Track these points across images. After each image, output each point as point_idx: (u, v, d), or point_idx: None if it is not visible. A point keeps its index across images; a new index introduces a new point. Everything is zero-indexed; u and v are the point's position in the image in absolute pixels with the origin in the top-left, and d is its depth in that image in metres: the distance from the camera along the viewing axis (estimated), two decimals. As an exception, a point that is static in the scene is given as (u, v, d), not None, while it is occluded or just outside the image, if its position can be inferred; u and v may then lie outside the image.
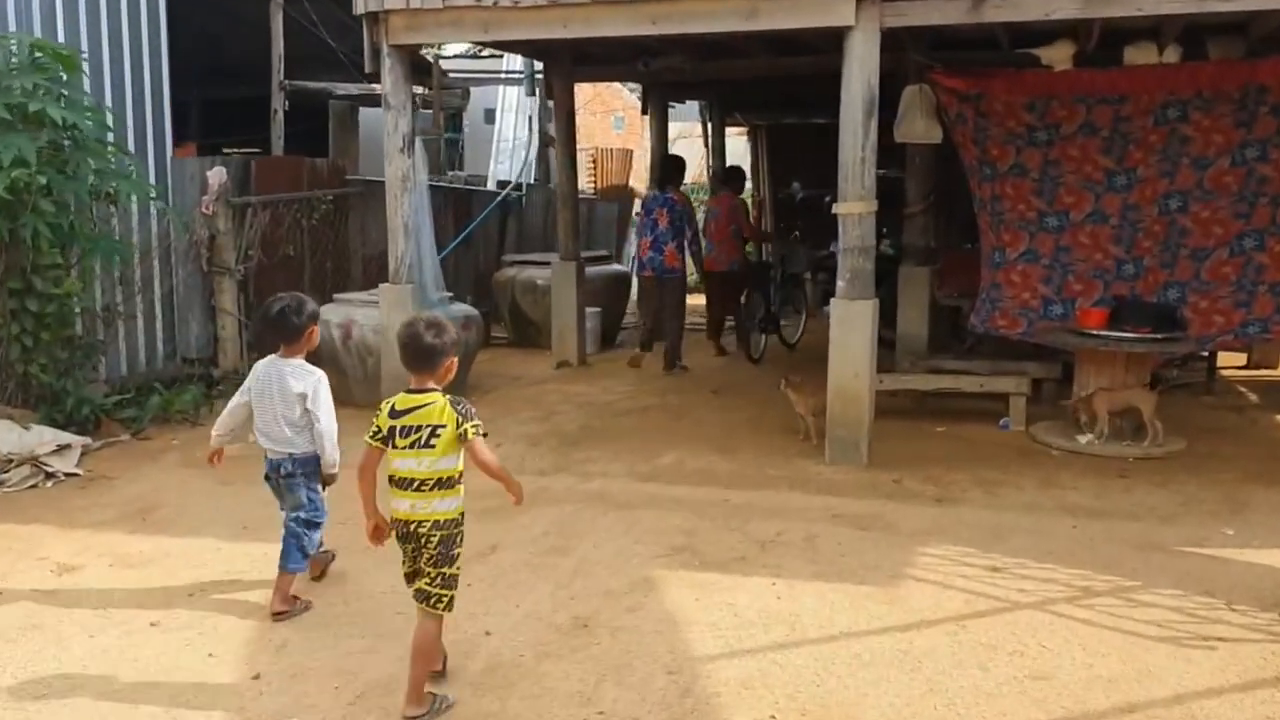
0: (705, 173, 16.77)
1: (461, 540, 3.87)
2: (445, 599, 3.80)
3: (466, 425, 3.72)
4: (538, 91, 13.49)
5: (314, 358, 4.86)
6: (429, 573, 3.76)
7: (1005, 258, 8.98)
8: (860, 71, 6.65)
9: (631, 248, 18.03)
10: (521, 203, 13.94)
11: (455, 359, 3.87)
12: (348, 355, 8.45)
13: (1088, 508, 6.13)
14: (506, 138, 15.95)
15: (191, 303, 9.02)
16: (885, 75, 7.02)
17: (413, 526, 3.73)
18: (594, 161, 16.87)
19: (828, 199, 16.70)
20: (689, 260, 10.81)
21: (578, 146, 18.46)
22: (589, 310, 11.15)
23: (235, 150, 12.85)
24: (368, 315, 8.28)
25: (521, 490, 4.06)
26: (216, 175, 8.78)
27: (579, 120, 20.62)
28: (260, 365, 4.77)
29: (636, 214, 17.77)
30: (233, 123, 15.37)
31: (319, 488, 4.79)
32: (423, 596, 3.78)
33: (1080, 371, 7.63)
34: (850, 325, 6.76)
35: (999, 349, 9.32)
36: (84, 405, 7.39)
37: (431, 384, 3.79)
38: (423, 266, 7.57)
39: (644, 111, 13.30)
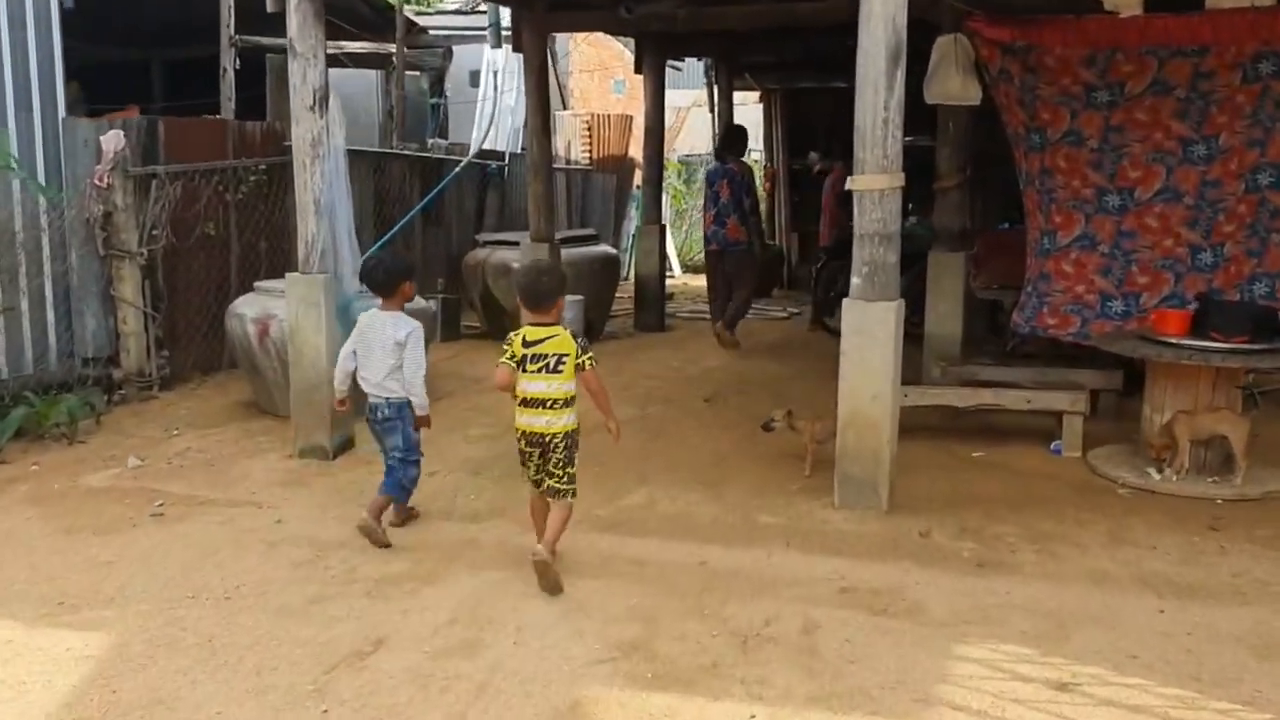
0: (713, 141, 15.24)
1: (576, 445, 4.66)
2: (572, 490, 4.65)
3: (584, 357, 4.54)
4: (504, 46, 11.99)
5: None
6: (557, 474, 4.61)
7: (1056, 243, 7.51)
8: (883, 8, 5.15)
9: (632, 225, 16.56)
10: (503, 175, 12.46)
11: (565, 298, 4.72)
12: (265, 355, 7.04)
13: (1175, 580, 4.66)
14: (491, 101, 14.47)
15: (87, 292, 7.61)
16: (914, 23, 5.57)
17: (545, 438, 4.57)
18: (589, 128, 15.36)
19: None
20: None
21: (574, 111, 17.08)
22: (567, 299, 9.67)
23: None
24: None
25: (619, 428, 4.82)
26: (111, 140, 7.35)
27: (575, 83, 19.23)
28: (363, 316, 5.28)
29: (637, 186, 16.41)
30: (199, 86, 13.99)
31: (414, 430, 5.23)
32: (554, 493, 4.64)
33: (1153, 389, 6.13)
34: (868, 334, 5.29)
35: (1048, 352, 7.85)
36: (-80, 422, 6.01)
37: (550, 318, 4.57)
38: (339, 253, 6.13)
39: (637, 70, 11.78)
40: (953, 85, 7.25)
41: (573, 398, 4.60)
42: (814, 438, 6.07)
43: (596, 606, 4.33)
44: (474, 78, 15.15)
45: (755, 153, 21.35)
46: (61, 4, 7.53)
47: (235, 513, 5.44)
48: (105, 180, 7.35)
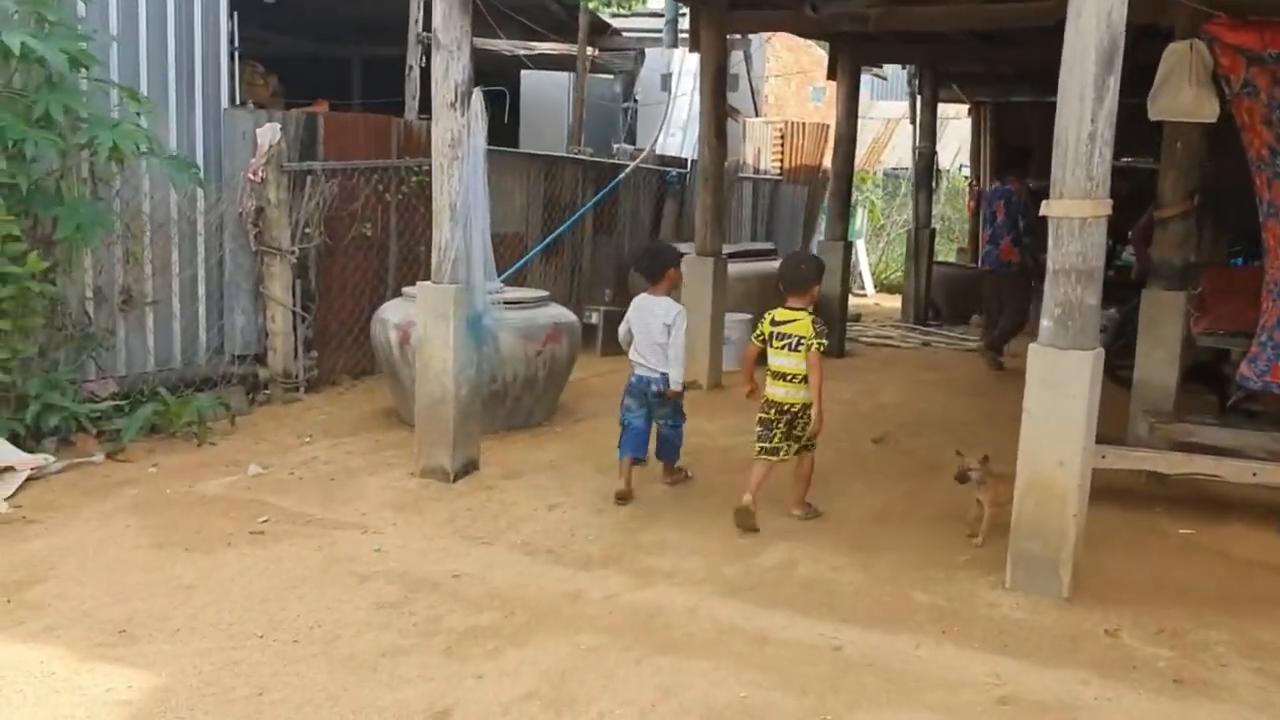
0: (912, 156, 14.28)
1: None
2: (814, 444, 5.45)
3: (815, 340, 5.25)
4: (679, 45, 11.42)
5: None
6: (804, 434, 5.35)
7: (1301, 286, 6.36)
8: (1096, 2, 4.30)
9: (822, 236, 15.72)
10: (683, 182, 11.91)
11: (819, 287, 5.52)
12: (405, 364, 6.69)
13: None
14: (682, 106, 13.96)
15: (238, 288, 7.47)
16: (1138, 31, 4.66)
17: (787, 407, 5.33)
18: (782, 136, 14.62)
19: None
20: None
21: (766, 118, 16.36)
22: (733, 318, 9.06)
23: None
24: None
25: (821, 418, 5.34)
26: (267, 133, 7.17)
27: (770, 89, 18.45)
28: (636, 299, 5.90)
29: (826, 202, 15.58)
30: (397, 84, 14.06)
31: (680, 400, 5.84)
32: (803, 448, 5.42)
33: None
34: (1058, 389, 4.44)
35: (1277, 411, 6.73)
36: (51, 414, 5.89)
37: (802, 304, 5.37)
38: (472, 261, 5.68)
39: (830, 75, 11.01)
40: (1184, 99, 6.26)
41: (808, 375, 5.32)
42: (996, 500, 5.23)
43: (698, 697, 3.67)
44: (665, 81, 14.69)
45: (965, 168, 20.18)
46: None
47: (337, 536, 5.05)
48: (259, 174, 7.18)
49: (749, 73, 15.07)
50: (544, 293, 7.47)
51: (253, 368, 7.51)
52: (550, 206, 10.06)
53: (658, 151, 13.51)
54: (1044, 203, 4.52)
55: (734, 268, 9.21)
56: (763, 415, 5.43)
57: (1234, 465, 5.53)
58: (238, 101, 9.21)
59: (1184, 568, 5.08)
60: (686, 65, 13.92)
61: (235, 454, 6.29)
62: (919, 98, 12.97)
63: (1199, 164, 6.91)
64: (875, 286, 17.31)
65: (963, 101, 14.65)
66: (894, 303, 15.28)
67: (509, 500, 5.63)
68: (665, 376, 5.72)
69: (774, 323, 5.37)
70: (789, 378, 5.32)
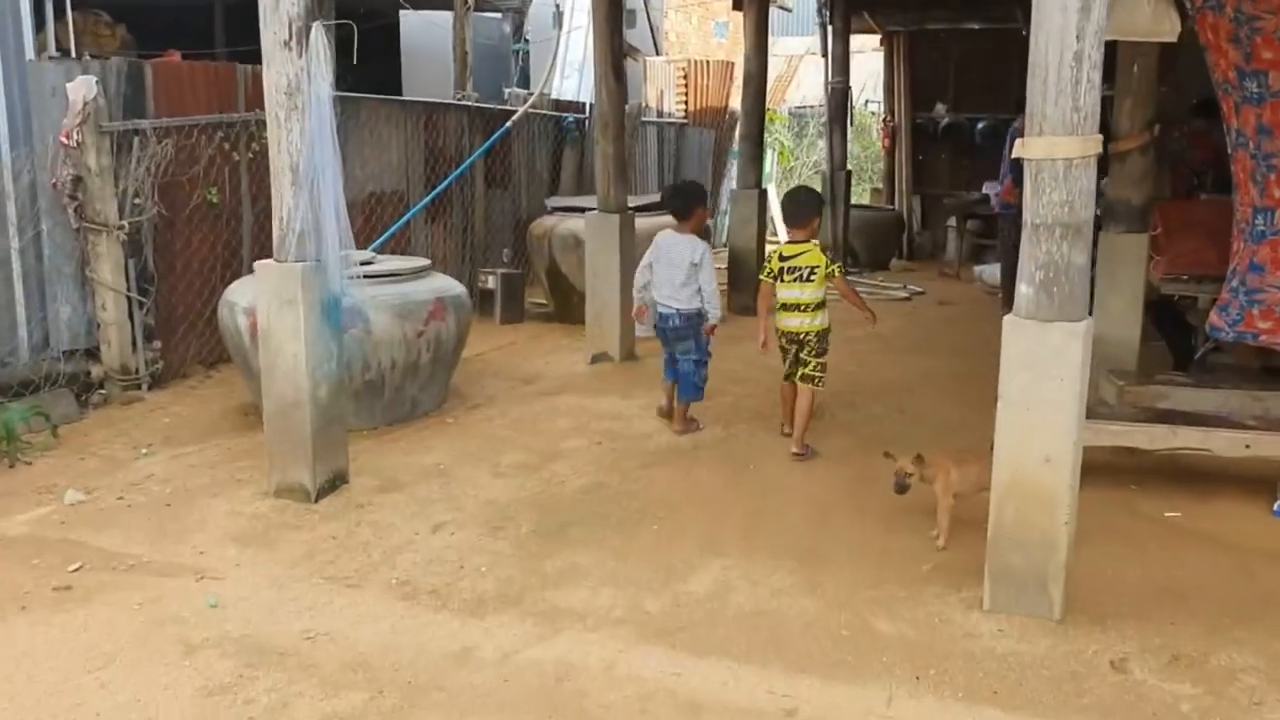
0: (826, 91, 13.44)
1: (827, 340, 5.64)
2: (821, 378, 5.64)
3: (833, 266, 5.61)
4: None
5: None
6: (810, 363, 5.61)
7: (1273, 224, 5.66)
8: (1080, -114, 3.44)
9: (732, 185, 14.85)
10: (582, 129, 10.90)
11: (818, 219, 5.81)
12: (259, 355, 5.62)
13: None
14: (576, 44, 12.91)
15: (59, 273, 6.33)
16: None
17: (800, 335, 5.60)
18: (685, 76, 13.65)
19: (982, 124, 13.38)
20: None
21: (668, 57, 15.36)
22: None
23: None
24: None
25: (874, 315, 5.83)
26: (80, 88, 6.01)
27: (670, 25, 17.41)
28: (659, 237, 6.06)
29: (737, 142, 14.65)
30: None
31: (704, 335, 5.94)
32: (807, 379, 5.62)
33: None
34: (1040, 369, 3.63)
35: (1253, 364, 6.05)
36: None
37: (804, 235, 5.66)
38: (322, 231, 4.66)
39: (735, 5, 10.06)
40: (1140, 16, 5.44)
41: (823, 302, 5.57)
42: (949, 490, 4.45)
43: (621, 802, 2.81)
44: (558, 19, 13.61)
45: (873, 104, 19.43)
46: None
47: (165, 587, 4.06)
48: (74, 137, 6.02)
49: (647, 7, 14.03)
50: (424, 261, 6.46)
51: (84, 365, 6.40)
52: (434, 160, 9.00)
53: (553, 95, 12.47)
54: (1018, 142, 3.68)
55: (643, 222, 8.26)
56: (783, 346, 5.69)
57: (1225, 438, 4.82)
58: (77, 54, 8.00)
59: (1180, 563, 4.35)
60: (579, 1, 12.87)
61: (53, 475, 5.23)
62: (830, 28, 12.08)
63: (1157, 90, 6.16)
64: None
65: (873, 32, 13.81)
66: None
67: (384, 522, 4.68)
68: (682, 312, 5.87)
69: (782, 257, 5.58)
70: (803, 307, 5.54)
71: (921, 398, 6.81)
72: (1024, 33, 11.80)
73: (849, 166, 12.97)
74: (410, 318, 5.91)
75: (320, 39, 4.62)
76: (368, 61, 13.95)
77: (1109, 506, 4.85)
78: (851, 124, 13.98)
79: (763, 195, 9.94)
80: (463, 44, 10.36)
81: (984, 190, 12.63)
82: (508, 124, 9.03)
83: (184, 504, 4.89)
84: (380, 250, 7.15)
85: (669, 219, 9.06)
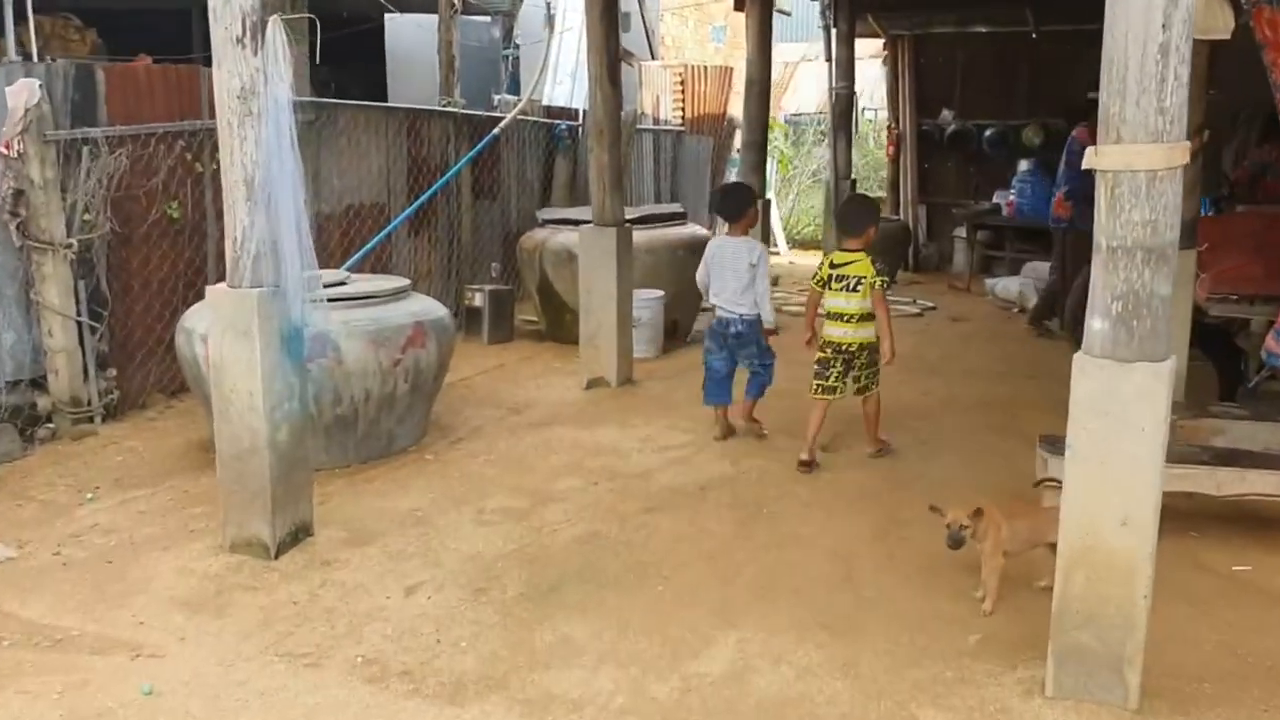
0: (830, 97, 12.94)
1: (877, 352, 5.49)
2: (874, 384, 5.60)
3: (876, 279, 5.40)
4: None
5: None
6: (861, 374, 5.54)
7: (1337, 239, 5.16)
8: None
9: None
10: (576, 136, 10.35)
11: (875, 228, 5.59)
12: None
13: None
14: (569, 48, 12.38)
15: (0, 296, 5.76)
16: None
17: (845, 346, 5.48)
18: (682, 82, 13.12)
19: (989, 131, 12.85)
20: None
21: (664, 62, 14.83)
22: (643, 297, 7.61)
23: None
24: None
25: (894, 351, 5.44)
26: (20, 93, 5.45)
27: (666, 29, 16.84)
28: (713, 242, 6.10)
29: (736, 150, 14.12)
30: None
31: (764, 339, 5.89)
32: (862, 390, 5.58)
33: None
34: (1118, 417, 3.09)
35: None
36: None
37: (858, 245, 5.48)
38: (281, 253, 4.10)
39: (738, 6, 9.53)
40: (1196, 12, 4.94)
41: (870, 314, 5.43)
42: (999, 549, 3.90)
43: None
44: (549, 21, 13.07)
45: (870, 112, 18.89)
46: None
47: (94, 668, 3.49)
48: (14, 147, 5.46)
49: (642, 10, 13.51)
50: (403, 281, 5.90)
51: (30, 396, 5.83)
52: (417, 170, 8.45)
53: (544, 101, 11.94)
54: (1088, 151, 3.14)
55: (640, 236, 7.74)
56: (821, 354, 5.55)
57: (1306, 485, 4.28)
58: (41, 58, 7.45)
59: (1260, 628, 3.81)
60: (572, 2, 12.35)
61: (-16, 526, 4.66)
62: (834, 31, 11.56)
63: (1205, 93, 5.64)
64: (789, 243, 15.99)
65: (876, 36, 13.30)
66: (810, 260, 13.96)
67: (352, 583, 4.12)
68: (744, 317, 5.80)
69: (832, 265, 5.51)
70: (847, 318, 5.45)
71: (944, 426, 6.27)
72: (1032, 35, 11.34)
73: (854, 176, 12.45)
74: (386, 345, 5.35)
75: (279, 35, 4.07)
76: (352, 66, 13.46)
77: (1169, 559, 4.22)
78: (856, 131, 13.44)
79: (765, 207, 9.38)
80: (449, 48, 9.78)
81: (995, 200, 12.15)
82: (494, 131, 8.48)
83: (128, 560, 4.32)
84: (356, 268, 6.59)
85: (666, 231, 8.61)
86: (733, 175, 13.94)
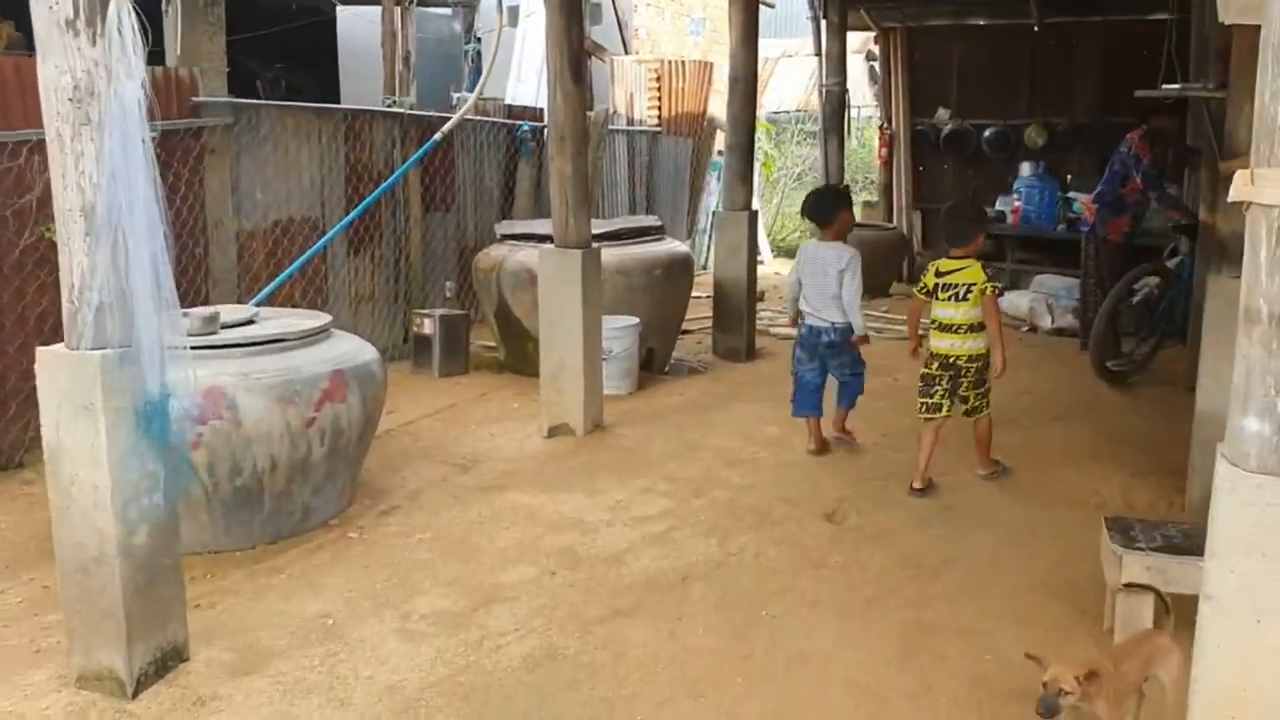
0: (818, 94, 12.01)
1: (988, 368, 5.16)
2: (986, 405, 5.29)
3: (988, 285, 5.11)
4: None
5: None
6: (970, 395, 5.22)
7: None
8: None
9: (712, 200, 13.37)
10: (540, 139, 9.37)
11: (983, 235, 5.39)
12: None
13: None
14: (534, 43, 11.40)
15: None
16: None
17: (952, 359, 5.18)
18: (658, 78, 12.16)
19: (989, 132, 11.96)
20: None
21: (638, 57, 13.85)
22: (614, 325, 6.66)
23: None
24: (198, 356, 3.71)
25: (1005, 363, 5.14)
26: None
27: (641, 21, 15.81)
28: (803, 248, 5.87)
29: (718, 152, 13.14)
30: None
31: (855, 348, 5.73)
32: (971, 410, 5.28)
33: None
34: (1276, 556, 2.16)
35: None
36: None
37: (965, 253, 5.19)
38: (133, 302, 3.13)
39: (719, -5, 8.58)
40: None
41: (980, 324, 5.16)
42: (1119, 699, 2.93)
43: None
44: (514, 15, 12.10)
45: (860, 109, 17.98)
46: None
47: None
48: None
49: (615, 2, 12.54)
50: (323, 319, 4.90)
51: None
52: (357, 179, 7.46)
53: (506, 100, 10.97)
54: (1238, 176, 2.23)
55: (611, 255, 6.79)
56: (925, 371, 5.28)
57: None
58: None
59: None
60: (538, -6, 11.34)
61: None
62: (824, 24, 10.63)
63: None
64: (774, 251, 15.05)
65: (867, 28, 12.38)
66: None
67: (229, 735, 3.15)
68: (837, 326, 5.65)
69: (938, 273, 5.23)
70: (956, 328, 5.16)
71: (968, 486, 5.34)
72: (1036, 28, 10.34)
73: (847, 181, 11.53)
74: (296, 400, 4.37)
75: (126, 18, 3.09)
76: (304, 63, 12.40)
77: None
78: (848, 131, 12.54)
79: (753, 218, 8.42)
80: (394, 40, 8.80)
81: (997, 206, 11.27)
82: (436, 136, 7.46)
83: (-57, 701, 3.33)
84: (267, 301, 5.60)
85: (641, 249, 7.67)
86: (715, 179, 12.99)
